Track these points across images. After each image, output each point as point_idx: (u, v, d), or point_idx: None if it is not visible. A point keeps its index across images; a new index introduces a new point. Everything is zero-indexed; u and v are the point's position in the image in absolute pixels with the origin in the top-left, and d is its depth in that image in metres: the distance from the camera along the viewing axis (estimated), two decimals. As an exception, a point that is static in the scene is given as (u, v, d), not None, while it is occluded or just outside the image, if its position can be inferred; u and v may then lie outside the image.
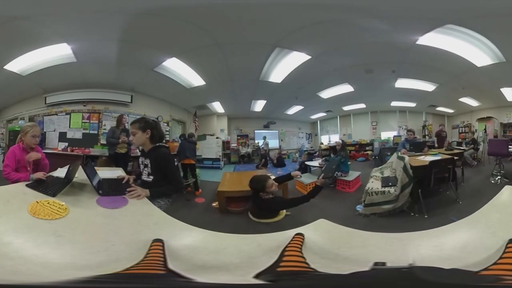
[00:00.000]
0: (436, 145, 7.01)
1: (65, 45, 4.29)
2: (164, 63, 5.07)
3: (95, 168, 1.88)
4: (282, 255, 0.77)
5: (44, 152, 2.44)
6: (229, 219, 3.35)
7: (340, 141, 5.66)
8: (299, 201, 2.40)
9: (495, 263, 0.66)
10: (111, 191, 1.54)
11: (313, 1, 3.31)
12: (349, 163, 5.72)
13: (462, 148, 6.11)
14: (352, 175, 5.11)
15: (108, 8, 3.36)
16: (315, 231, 1.03)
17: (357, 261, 0.81)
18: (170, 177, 1.84)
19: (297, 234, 0.95)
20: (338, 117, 9.83)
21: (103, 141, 5.97)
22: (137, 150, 3.75)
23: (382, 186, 3.37)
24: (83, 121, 6.12)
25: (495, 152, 4.43)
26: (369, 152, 8.70)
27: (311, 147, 10.25)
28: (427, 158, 3.77)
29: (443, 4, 3.23)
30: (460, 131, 8.06)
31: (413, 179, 3.22)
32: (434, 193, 3.67)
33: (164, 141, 2.15)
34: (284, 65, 5.25)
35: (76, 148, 5.93)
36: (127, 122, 4.57)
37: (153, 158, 1.86)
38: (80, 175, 1.60)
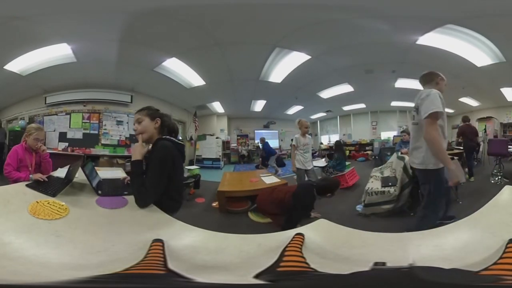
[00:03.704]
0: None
1: (65, 45, 4.29)
2: (164, 63, 5.07)
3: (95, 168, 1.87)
4: (282, 255, 0.77)
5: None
6: (229, 219, 3.34)
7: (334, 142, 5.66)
8: None
9: (495, 263, 0.65)
10: (111, 191, 1.54)
11: (313, 1, 3.31)
12: (348, 163, 5.73)
13: (461, 148, 6.08)
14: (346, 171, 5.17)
15: (108, 8, 3.36)
16: (315, 231, 1.03)
17: (357, 261, 0.81)
18: (146, 180, 1.35)
19: (297, 234, 0.95)
20: (338, 117, 9.83)
21: (104, 141, 5.99)
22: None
23: (382, 186, 3.37)
24: (83, 121, 6.12)
25: (495, 152, 4.43)
26: (369, 152, 8.70)
27: (311, 147, 10.24)
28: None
29: (443, 4, 3.23)
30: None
31: (414, 179, 3.21)
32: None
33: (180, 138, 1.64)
34: (284, 65, 5.25)
35: (77, 148, 5.93)
36: None
37: (152, 151, 1.48)
38: (80, 175, 1.60)
